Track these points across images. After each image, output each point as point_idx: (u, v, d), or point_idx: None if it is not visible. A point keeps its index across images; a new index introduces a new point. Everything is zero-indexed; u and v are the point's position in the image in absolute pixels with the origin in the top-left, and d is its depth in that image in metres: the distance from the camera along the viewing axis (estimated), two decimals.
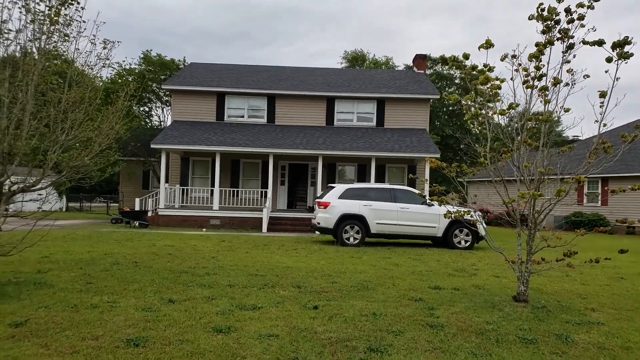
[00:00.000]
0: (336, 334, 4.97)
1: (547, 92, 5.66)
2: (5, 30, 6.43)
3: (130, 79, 24.18)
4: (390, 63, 51.73)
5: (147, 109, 30.11)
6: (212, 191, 21.81)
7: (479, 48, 6.28)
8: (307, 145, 21.01)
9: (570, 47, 6.06)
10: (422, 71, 27.62)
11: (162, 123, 30.37)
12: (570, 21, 5.98)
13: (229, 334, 4.87)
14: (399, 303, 6.44)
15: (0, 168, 6.34)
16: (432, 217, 14.12)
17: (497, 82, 5.78)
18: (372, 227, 13.88)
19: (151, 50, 28.01)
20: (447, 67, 49.47)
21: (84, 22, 6.82)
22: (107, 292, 6.49)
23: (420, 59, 28.20)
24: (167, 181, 20.93)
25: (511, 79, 6.23)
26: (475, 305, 6.43)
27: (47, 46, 6.84)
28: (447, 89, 46.63)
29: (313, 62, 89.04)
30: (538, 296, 7.14)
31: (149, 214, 20.63)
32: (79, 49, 6.77)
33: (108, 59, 6.84)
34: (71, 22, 6.89)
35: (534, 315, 6.03)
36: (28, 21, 6.38)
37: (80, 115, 6.58)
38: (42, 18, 6.47)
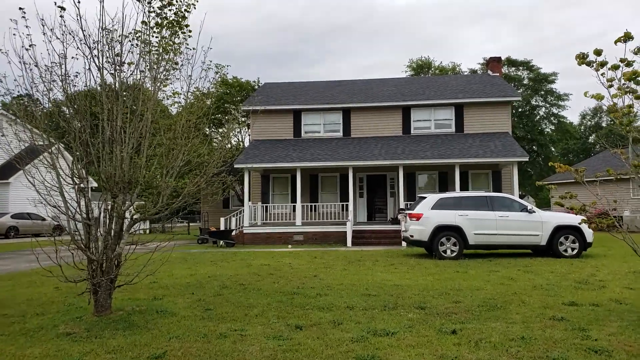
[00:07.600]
0: None
1: None
2: (122, 63, 6.59)
3: (208, 103, 24.87)
4: (457, 69, 50.28)
5: (224, 130, 30.93)
6: (293, 207, 21.86)
7: (616, 42, 5.67)
8: (386, 156, 20.59)
9: None
10: (498, 74, 26.42)
11: (240, 143, 31.04)
12: None
13: None
14: (542, 324, 5.84)
15: (122, 197, 6.46)
16: (534, 224, 13.18)
17: None
18: (469, 238, 13.14)
19: (227, 73, 28.84)
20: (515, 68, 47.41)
21: (193, 49, 6.90)
22: (229, 319, 6.38)
23: (495, 62, 27.14)
24: (249, 199, 21.23)
25: None
26: (631, 325, 5.71)
27: (159, 75, 6.98)
28: (517, 90, 44.59)
29: (368, 75, 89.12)
30: None
31: (233, 232, 20.95)
32: (191, 76, 6.85)
33: (215, 84, 6.82)
34: (179, 50, 6.99)
35: None
36: (144, 52, 6.52)
37: (196, 140, 6.63)
38: (156, 48, 6.59)
